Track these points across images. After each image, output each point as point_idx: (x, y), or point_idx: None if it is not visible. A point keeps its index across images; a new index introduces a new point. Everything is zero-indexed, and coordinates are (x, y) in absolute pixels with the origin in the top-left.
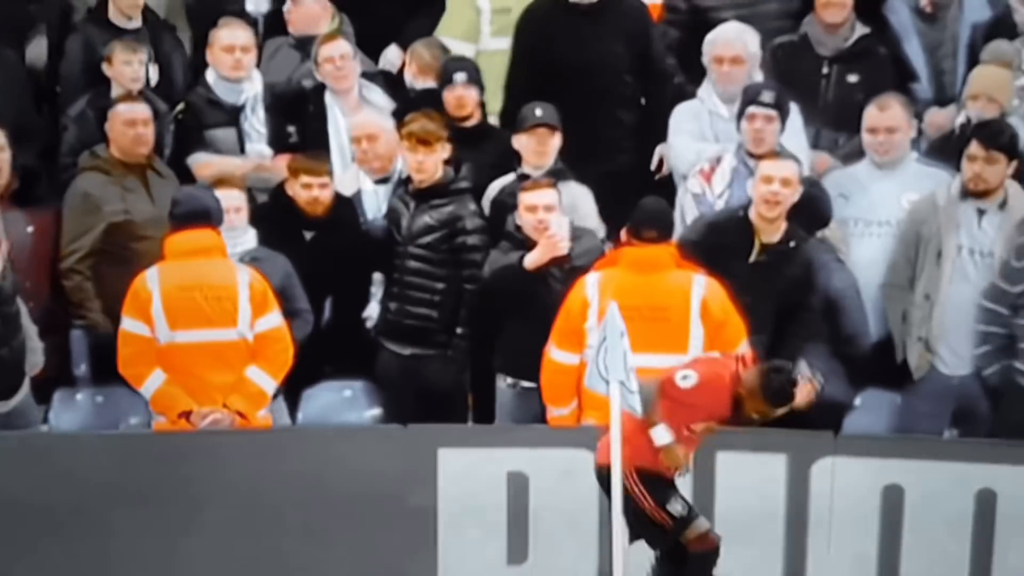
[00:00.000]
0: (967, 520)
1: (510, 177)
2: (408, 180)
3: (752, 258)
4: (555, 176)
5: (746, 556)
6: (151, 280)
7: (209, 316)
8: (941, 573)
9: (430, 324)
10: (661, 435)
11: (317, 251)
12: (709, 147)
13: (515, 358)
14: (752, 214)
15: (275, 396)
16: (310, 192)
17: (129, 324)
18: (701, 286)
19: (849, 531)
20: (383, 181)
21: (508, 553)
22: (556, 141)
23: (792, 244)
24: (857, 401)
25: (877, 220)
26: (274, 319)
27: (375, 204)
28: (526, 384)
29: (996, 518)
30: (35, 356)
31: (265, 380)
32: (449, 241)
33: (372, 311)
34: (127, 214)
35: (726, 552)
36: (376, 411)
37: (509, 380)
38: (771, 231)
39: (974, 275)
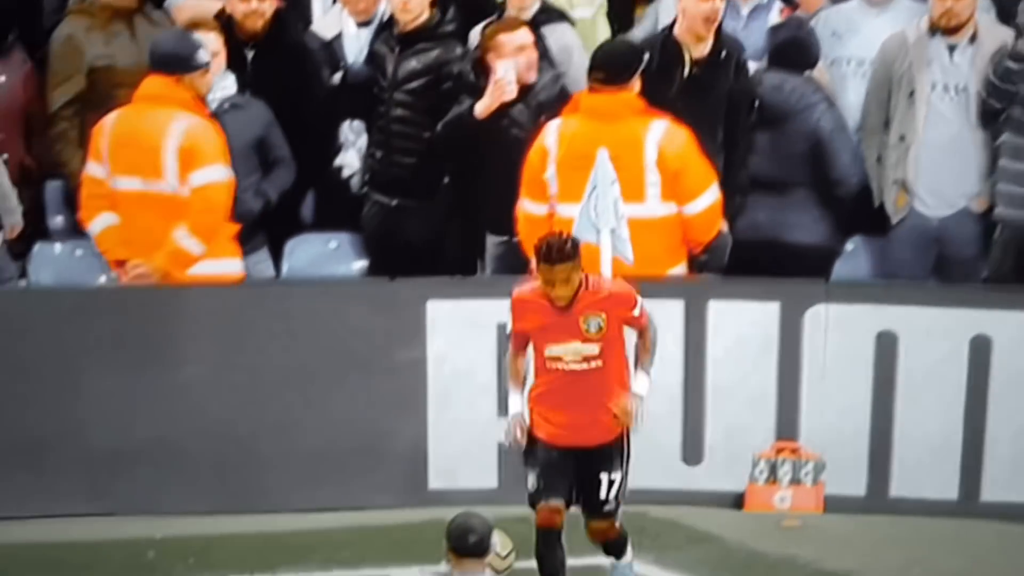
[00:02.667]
0: (962, 367)
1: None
2: (393, 23)
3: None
4: (545, 17)
5: (739, 406)
6: (107, 122)
7: (142, 165)
8: (936, 420)
9: (416, 173)
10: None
11: (260, 71)
12: None
13: (500, 214)
14: (678, 31)
15: (252, 250)
16: (248, 5)
17: (90, 167)
18: (658, 132)
19: (842, 379)
20: (366, 24)
21: (498, 407)
22: None
23: (723, 55)
24: (848, 247)
25: (870, 59)
26: (206, 175)
27: (356, 48)
28: (517, 240)
29: (991, 365)
30: (13, 217)
31: (186, 238)
32: (436, 87)
33: (348, 159)
34: (110, 59)
35: (720, 406)
36: (362, 263)
37: (496, 239)
38: (700, 47)
39: (949, 112)
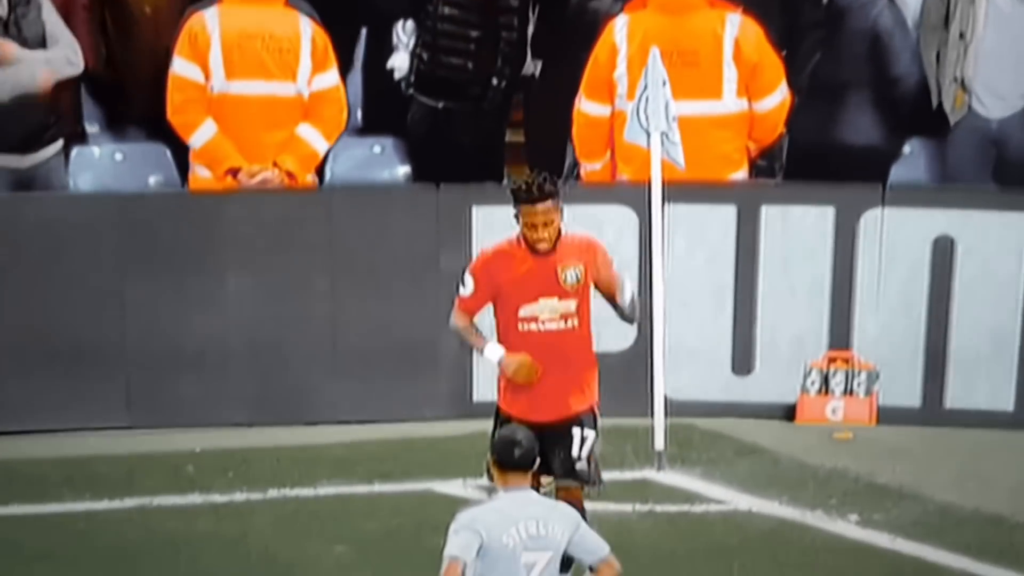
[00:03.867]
0: (1021, 273)
1: None
2: None
3: None
4: None
5: (790, 315)
6: (210, 22)
7: (268, 68)
8: (992, 329)
9: (464, 75)
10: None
11: None
12: None
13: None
14: None
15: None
16: None
17: (182, 67)
18: (734, 26)
19: (897, 286)
20: None
21: None
22: None
23: None
24: (906, 150)
25: None
26: (332, 77)
27: None
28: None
29: None
30: (72, 66)
31: (318, 140)
32: None
33: (399, 62)
34: None
35: (771, 314)
36: (407, 168)
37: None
38: None
39: (1010, 10)
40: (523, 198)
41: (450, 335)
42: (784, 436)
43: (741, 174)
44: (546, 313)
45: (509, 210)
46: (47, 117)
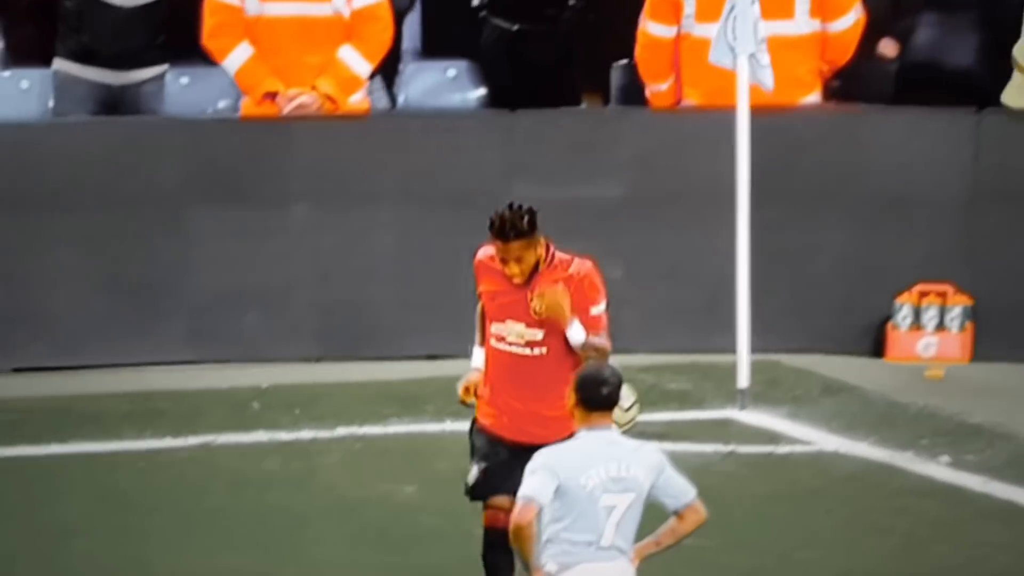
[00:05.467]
0: None
1: None
2: None
3: None
4: None
5: (882, 245)
6: None
7: None
8: None
9: None
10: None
11: None
12: None
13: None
14: None
15: (371, 76)
16: None
17: None
18: None
19: (997, 216)
20: None
21: None
22: None
23: None
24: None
25: None
26: None
27: None
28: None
29: None
30: None
31: (359, 62)
32: None
33: None
34: None
35: (862, 244)
36: (481, 92)
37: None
38: None
39: None
40: (494, 233)
41: None
42: (873, 373)
43: (813, 97)
44: (512, 336)
45: (585, 135)
46: (152, 36)
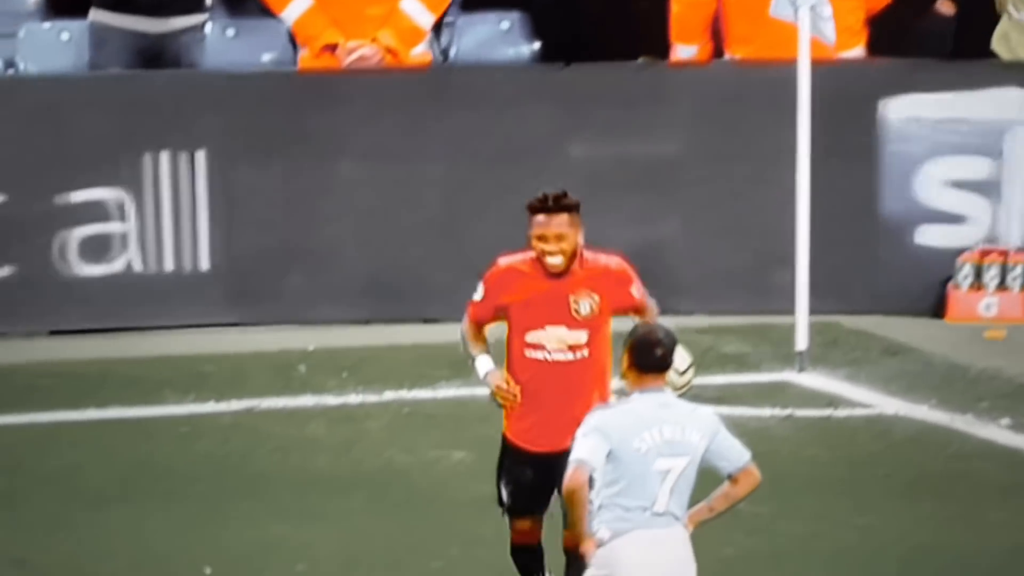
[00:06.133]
0: None
1: None
2: None
3: None
4: None
5: (940, 205)
6: None
7: None
8: None
9: None
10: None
11: None
12: None
13: None
14: None
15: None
16: None
17: None
18: None
19: None
20: None
21: None
22: None
23: None
24: None
25: None
26: None
27: None
28: None
29: None
30: None
31: (422, 13)
32: None
33: None
34: None
35: (920, 203)
36: (534, 46)
37: None
38: None
39: None
40: (537, 208)
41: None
42: (933, 334)
43: (859, 50)
44: (553, 343)
45: (641, 90)
46: None
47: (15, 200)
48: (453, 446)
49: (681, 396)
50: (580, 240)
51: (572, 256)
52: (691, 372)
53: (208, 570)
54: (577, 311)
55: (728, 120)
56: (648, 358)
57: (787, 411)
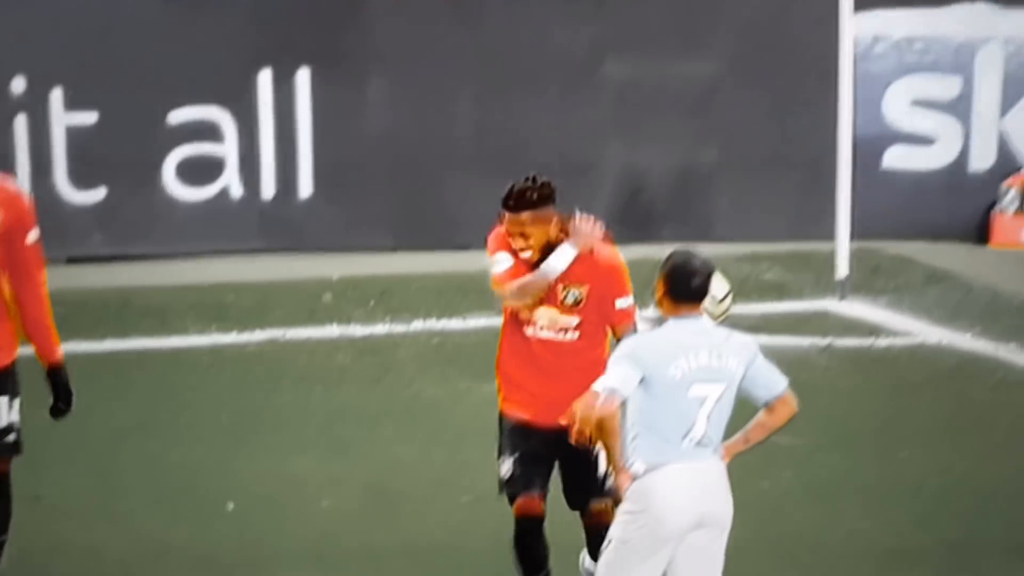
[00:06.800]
0: None
1: None
2: None
3: None
4: None
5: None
6: None
7: None
8: None
9: None
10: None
11: None
12: None
13: None
14: None
15: None
16: None
17: None
18: None
19: None
20: None
21: None
22: None
23: None
24: None
25: None
26: None
27: None
28: None
29: None
30: None
31: None
32: None
33: None
34: None
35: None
36: None
37: None
38: None
39: None
40: (503, 203)
41: (614, 149)
42: (977, 260)
43: None
44: (544, 320)
45: (680, 7)
46: None
47: None
48: (483, 378)
49: (718, 325)
50: (553, 229)
51: (546, 246)
52: (729, 300)
53: (231, 506)
54: (564, 299)
55: (769, 39)
56: (684, 287)
57: (827, 340)
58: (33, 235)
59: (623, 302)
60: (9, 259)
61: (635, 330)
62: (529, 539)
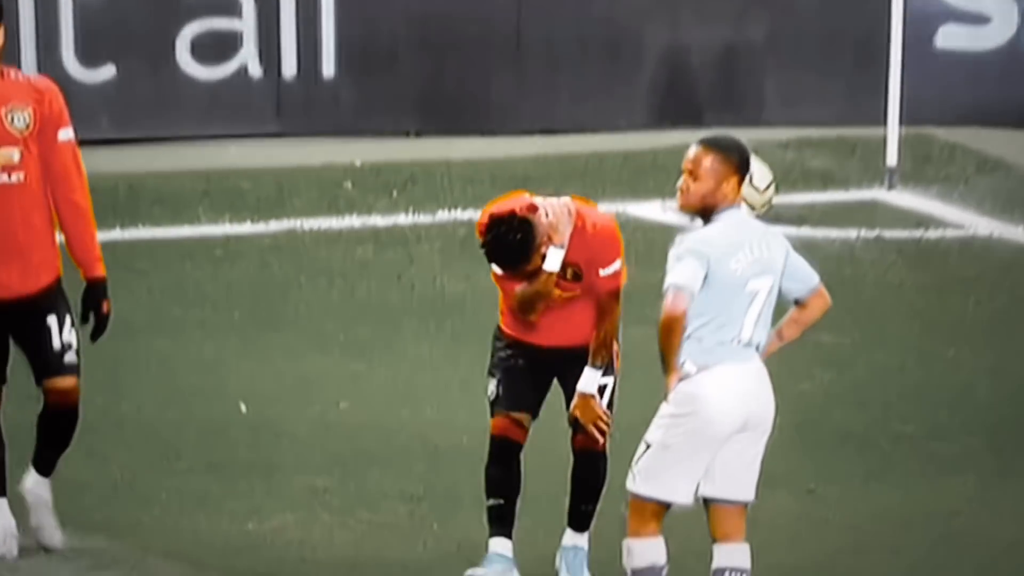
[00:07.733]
0: None
1: None
2: None
3: None
4: None
5: None
6: None
7: None
8: None
9: None
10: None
11: None
12: None
13: None
14: None
15: None
16: None
17: None
18: None
19: None
20: None
21: None
22: None
23: None
24: None
25: None
26: None
27: None
28: None
29: None
30: None
31: None
32: None
33: None
34: None
35: None
36: None
37: None
38: None
39: None
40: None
41: (656, 26)
42: None
43: None
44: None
45: None
46: None
47: None
48: None
49: (761, 217)
50: (539, 258)
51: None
52: (772, 190)
53: (244, 407)
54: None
55: None
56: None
57: (875, 232)
58: (65, 133)
59: (607, 270)
60: (44, 160)
61: (618, 301)
62: (498, 463)
